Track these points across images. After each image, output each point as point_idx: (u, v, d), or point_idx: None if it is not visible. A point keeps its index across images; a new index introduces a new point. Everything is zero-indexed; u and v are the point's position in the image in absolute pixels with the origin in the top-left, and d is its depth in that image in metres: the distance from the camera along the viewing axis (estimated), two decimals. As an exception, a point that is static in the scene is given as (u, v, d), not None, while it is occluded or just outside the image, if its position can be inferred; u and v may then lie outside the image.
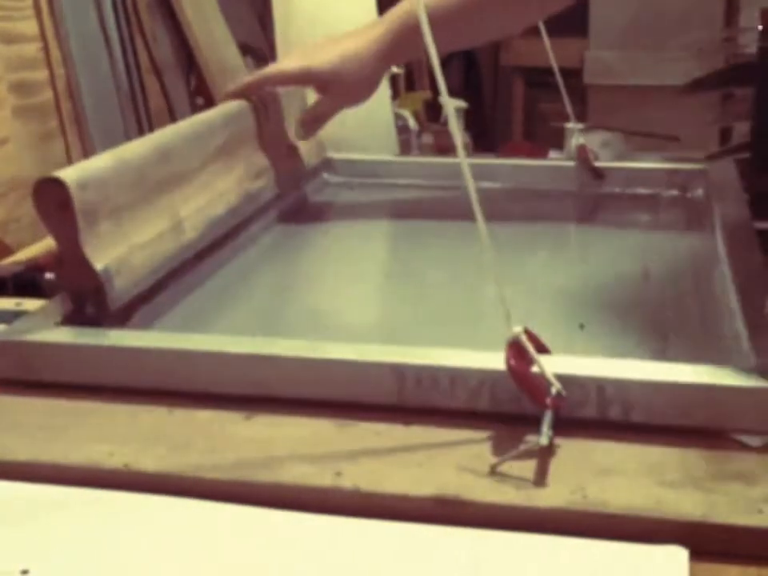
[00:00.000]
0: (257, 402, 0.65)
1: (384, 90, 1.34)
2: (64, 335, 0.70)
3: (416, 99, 1.68)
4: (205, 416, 0.64)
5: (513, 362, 0.57)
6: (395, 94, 1.50)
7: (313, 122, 1.04)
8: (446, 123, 1.58)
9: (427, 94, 1.80)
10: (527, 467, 0.56)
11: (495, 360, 0.59)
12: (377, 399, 0.63)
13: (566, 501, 0.53)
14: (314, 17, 1.29)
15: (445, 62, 3.13)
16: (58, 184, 0.69)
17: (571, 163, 1.16)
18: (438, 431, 0.61)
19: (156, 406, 0.65)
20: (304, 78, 1.02)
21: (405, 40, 0.97)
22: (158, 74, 1.84)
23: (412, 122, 1.44)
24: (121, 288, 0.72)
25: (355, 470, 0.57)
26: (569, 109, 1.16)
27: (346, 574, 0.49)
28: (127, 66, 1.73)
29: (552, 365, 0.59)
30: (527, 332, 0.59)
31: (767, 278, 0.76)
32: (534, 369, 0.59)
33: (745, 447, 0.58)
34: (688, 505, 0.52)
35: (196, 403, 0.65)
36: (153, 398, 0.66)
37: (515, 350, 0.58)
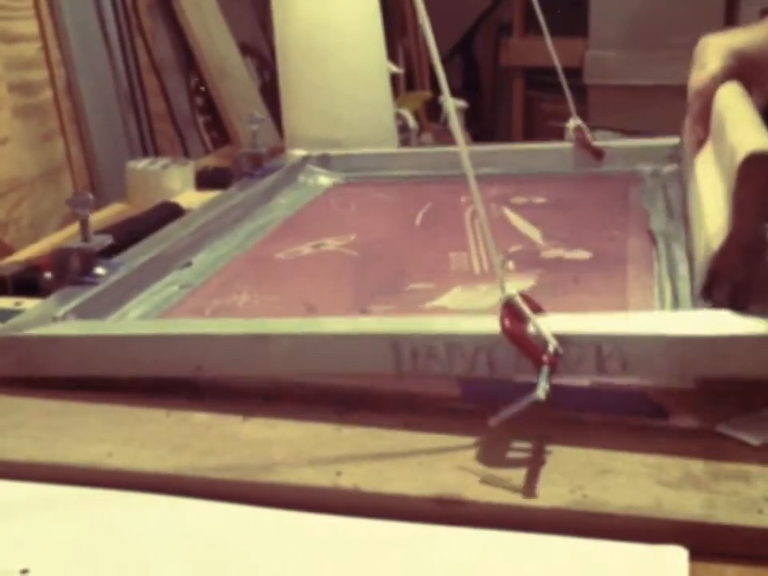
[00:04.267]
0: (255, 403, 0.65)
1: (385, 90, 1.34)
2: (63, 328, 0.70)
3: (416, 99, 1.68)
4: (204, 417, 0.64)
5: (507, 322, 0.57)
6: (395, 94, 1.50)
7: None
8: (446, 123, 1.58)
9: (427, 94, 1.80)
10: (527, 467, 0.56)
11: (490, 324, 0.58)
12: (373, 371, 0.63)
13: (566, 501, 0.53)
14: (314, 17, 1.29)
15: (445, 62, 3.13)
16: None
17: (570, 145, 1.16)
18: (437, 431, 0.61)
19: (155, 407, 0.65)
20: (734, 66, 0.86)
21: None
22: (157, 74, 1.85)
23: (412, 122, 1.44)
24: None
25: (355, 470, 0.57)
26: (570, 102, 1.16)
27: (346, 574, 0.49)
28: (127, 65, 1.74)
29: (547, 324, 0.59)
30: (522, 294, 0.59)
31: None
32: (530, 329, 0.58)
33: (744, 447, 0.58)
34: (688, 505, 0.52)
35: (195, 404, 0.65)
36: (153, 399, 0.66)
37: (509, 311, 0.58)
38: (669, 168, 1.09)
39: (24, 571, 0.49)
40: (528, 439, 0.59)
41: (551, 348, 0.58)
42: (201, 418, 0.64)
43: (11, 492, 0.57)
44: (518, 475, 0.55)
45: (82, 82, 1.56)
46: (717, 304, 0.64)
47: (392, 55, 1.59)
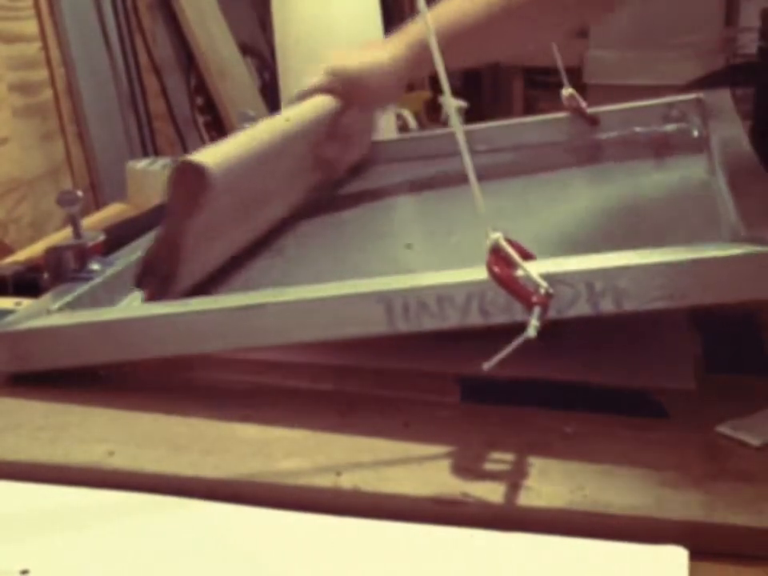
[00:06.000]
0: (255, 403, 0.65)
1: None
2: (58, 319, 0.70)
3: (416, 99, 1.68)
4: (204, 417, 0.64)
5: (496, 267, 0.57)
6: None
7: (344, 136, 1.04)
8: (446, 123, 1.58)
9: (427, 94, 1.80)
10: (527, 467, 0.56)
11: (479, 272, 0.58)
12: (368, 331, 0.62)
13: (566, 501, 0.53)
14: (314, 17, 1.29)
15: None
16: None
17: (564, 115, 1.15)
18: (437, 431, 0.61)
19: (155, 407, 0.65)
20: (331, 82, 1.00)
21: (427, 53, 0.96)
22: (157, 73, 1.85)
23: (412, 122, 1.44)
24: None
25: (355, 470, 0.57)
26: (561, 69, 1.15)
27: (346, 574, 0.49)
28: (127, 65, 1.74)
29: (537, 268, 0.58)
30: (508, 240, 0.58)
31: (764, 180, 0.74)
32: (519, 273, 0.58)
33: (744, 447, 0.58)
34: (688, 505, 0.52)
35: (195, 404, 0.65)
36: (153, 399, 0.66)
37: (497, 256, 0.57)
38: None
39: (24, 571, 0.49)
40: (528, 439, 0.59)
41: (542, 290, 0.57)
42: (201, 417, 0.64)
43: (11, 492, 0.57)
44: (518, 475, 0.55)
45: (82, 81, 1.56)
46: (147, 292, 0.74)
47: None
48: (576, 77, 2.36)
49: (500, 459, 0.57)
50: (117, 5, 1.69)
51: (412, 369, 0.70)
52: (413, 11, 2.11)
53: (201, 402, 0.65)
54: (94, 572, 0.50)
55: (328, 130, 1.01)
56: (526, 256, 0.60)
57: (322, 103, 0.98)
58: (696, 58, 2.48)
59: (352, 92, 1.00)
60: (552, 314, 0.57)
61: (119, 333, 0.68)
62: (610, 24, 2.55)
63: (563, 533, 0.51)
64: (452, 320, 0.61)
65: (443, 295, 0.60)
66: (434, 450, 0.58)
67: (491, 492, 0.54)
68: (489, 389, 0.66)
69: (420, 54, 0.97)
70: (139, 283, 0.75)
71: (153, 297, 0.74)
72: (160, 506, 0.55)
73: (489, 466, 0.56)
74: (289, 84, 1.32)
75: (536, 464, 0.56)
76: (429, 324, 0.61)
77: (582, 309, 0.59)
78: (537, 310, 0.56)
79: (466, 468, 0.56)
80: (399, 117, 1.42)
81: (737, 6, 2.65)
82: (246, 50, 2.07)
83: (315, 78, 1.01)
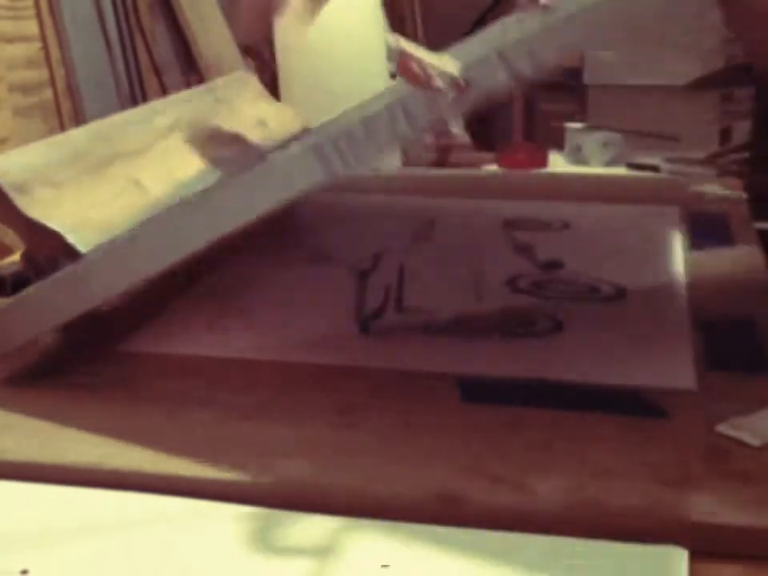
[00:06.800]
0: (256, 403, 0.65)
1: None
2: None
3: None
4: (204, 416, 0.64)
5: (405, 66, 0.57)
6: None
7: None
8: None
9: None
10: (527, 467, 0.56)
11: (391, 86, 0.58)
12: (312, 183, 0.62)
13: (566, 501, 0.53)
14: (314, 17, 1.29)
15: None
16: None
17: None
18: (437, 431, 0.61)
19: (155, 407, 0.65)
20: None
21: None
22: (157, 73, 1.84)
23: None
24: (88, 238, 0.73)
25: (354, 470, 0.57)
26: None
27: (346, 574, 0.49)
28: (127, 65, 1.73)
29: (442, 58, 0.58)
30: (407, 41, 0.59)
31: None
32: (426, 62, 0.58)
33: (744, 447, 0.58)
34: (688, 505, 0.52)
35: (194, 404, 0.65)
36: (151, 400, 0.66)
37: (404, 61, 0.58)
38: None
39: (24, 571, 0.49)
40: (528, 439, 0.59)
41: (453, 70, 0.57)
42: (201, 417, 0.64)
43: (11, 492, 0.57)
44: (518, 475, 0.55)
45: (82, 81, 1.56)
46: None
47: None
48: (576, 77, 2.36)
49: (500, 459, 0.57)
50: (117, 5, 1.69)
51: (412, 369, 0.70)
52: (412, 11, 2.11)
53: (200, 403, 0.65)
54: (94, 572, 0.50)
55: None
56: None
57: None
58: (696, 58, 2.48)
59: None
60: (472, 93, 0.57)
61: (50, 296, 0.68)
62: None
63: (563, 533, 0.51)
64: (383, 138, 0.60)
65: (367, 117, 0.60)
66: (434, 450, 0.58)
67: (491, 492, 0.54)
68: (489, 389, 0.66)
69: None
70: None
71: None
72: (159, 505, 0.55)
73: (489, 466, 0.56)
74: (289, 84, 1.32)
75: (536, 464, 0.56)
76: (363, 152, 0.61)
77: (502, 79, 0.58)
78: (450, 98, 0.56)
79: (466, 468, 0.56)
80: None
81: (737, 6, 2.65)
82: (246, 50, 2.06)
83: None
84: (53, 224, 0.71)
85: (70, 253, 0.71)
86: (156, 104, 0.98)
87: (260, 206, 0.63)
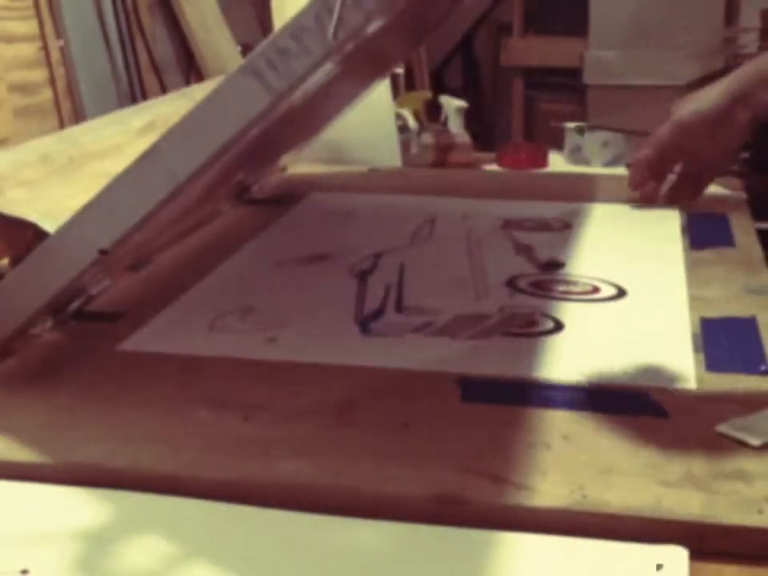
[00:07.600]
0: (256, 403, 0.65)
1: (386, 92, 1.33)
2: None
3: (416, 99, 1.68)
4: (204, 416, 0.64)
5: None
6: (395, 94, 1.50)
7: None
8: (446, 123, 1.58)
9: (427, 94, 1.80)
10: (527, 467, 0.56)
11: None
12: (255, 109, 0.61)
13: (566, 501, 0.53)
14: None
15: (445, 62, 3.13)
16: None
17: None
18: (437, 431, 0.61)
19: (156, 407, 0.65)
20: (676, 131, 1.06)
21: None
22: (157, 73, 1.84)
23: (412, 122, 1.44)
24: None
25: (355, 470, 0.57)
26: None
27: (345, 574, 0.49)
28: (127, 65, 1.74)
29: None
30: None
31: None
32: None
33: (744, 447, 0.58)
34: (688, 505, 0.52)
35: (195, 403, 0.65)
36: (152, 399, 0.66)
37: None
38: None
39: (24, 571, 0.49)
40: (528, 439, 0.59)
41: None
42: (201, 417, 0.64)
43: (11, 492, 0.57)
44: (518, 475, 0.55)
45: (82, 81, 1.56)
46: None
47: (392, 55, 1.58)
48: (576, 77, 2.37)
49: (500, 459, 0.57)
50: (117, 5, 1.69)
51: (412, 369, 0.70)
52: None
53: (201, 402, 0.65)
54: (94, 572, 0.50)
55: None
56: None
57: None
58: (696, 58, 2.48)
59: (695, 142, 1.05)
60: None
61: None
62: (610, 24, 2.55)
63: (563, 533, 0.51)
64: (316, 49, 0.60)
65: (296, 31, 0.59)
66: (434, 450, 0.58)
67: (491, 492, 0.54)
68: (489, 389, 0.66)
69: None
70: None
71: None
72: (159, 505, 0.55)
73: (489, 466, 0.56)
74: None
75: (536, 464, 0.56)
76: (299, 66, 0.60)
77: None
78: None
79: (466, 468, 0.56)
80: (399, 117, 1.42)
81: (737, 6, 2.65)
82: (246, 50, 2.07)
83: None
84: (31, 217, 0.71)
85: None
86: (129, 109, 0.99)
87: (216, 141, 0.62)
